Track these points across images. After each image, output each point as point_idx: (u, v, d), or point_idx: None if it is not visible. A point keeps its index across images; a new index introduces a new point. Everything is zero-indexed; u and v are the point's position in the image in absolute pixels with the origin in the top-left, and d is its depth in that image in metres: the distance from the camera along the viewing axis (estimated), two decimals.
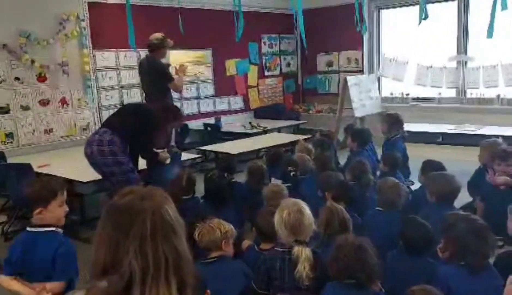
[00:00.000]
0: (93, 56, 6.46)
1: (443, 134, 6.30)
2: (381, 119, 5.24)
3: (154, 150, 4.23)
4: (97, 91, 6.52)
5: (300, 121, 8.54)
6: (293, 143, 6.01)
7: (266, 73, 8.99)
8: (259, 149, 6.20)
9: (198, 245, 2.56)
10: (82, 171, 4.31)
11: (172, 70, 5.77)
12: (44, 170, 4.68)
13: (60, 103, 6.14)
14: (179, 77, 5.54)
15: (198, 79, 7.69)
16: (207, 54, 7.84)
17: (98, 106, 6.51)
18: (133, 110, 4.22)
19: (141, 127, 3.94)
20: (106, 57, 6.63)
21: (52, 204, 2.51)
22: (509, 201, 2.87)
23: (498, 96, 7.08)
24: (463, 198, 3.74)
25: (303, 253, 2.27)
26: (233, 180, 4.17)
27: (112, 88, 6.73)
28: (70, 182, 4.42)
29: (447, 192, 3.23)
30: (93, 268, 1.12)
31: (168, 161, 4.40)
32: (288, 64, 9.41)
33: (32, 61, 5.77)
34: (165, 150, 4.46)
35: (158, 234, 1.11)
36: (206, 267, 2.47)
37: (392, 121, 5.08)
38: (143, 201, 1.14)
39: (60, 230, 2.53)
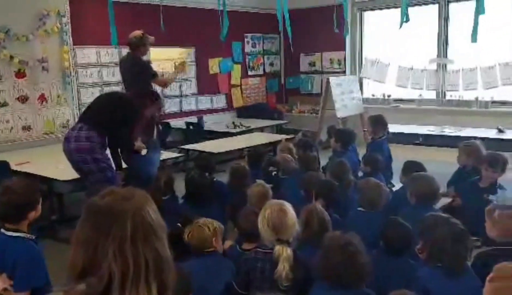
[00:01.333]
0: (74, 52, 6.36)
1: (423, 136, 6.38)
2: (367, 122, 5.28)
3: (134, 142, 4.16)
4: (77, 88, 6.43)
5: (283, 121, 8.56)
6: (276, 143, 6.02)
7: (249, 73, 8.98)
8: (242, 148, 6.19)
9: (189, 245, 2.57)
10: (62, 169, 4.25)
11: (157, 67, 5.71)
12: (23, 168, 4.59)
13: (39, 100, 6.03)
14: (173, 74, 5.51)
15: (180, 78, 7.62)
16: (190, 52, 7.80)
17: (78, 103, 6.42)
18: (108, 100, 4.10)
19: (118, 117, 3.85)
20: (87, 53, 6.55)
21: (38, 208, 2.48)
22: (488, 201, 2.92)
23: (477, 98, 7.20)
24: (442, 198, 3.79)
25: (284, 252, 2.27)
26: (215, 179, 4.16)
27: (93, 85, 6.65)
28: (49, 181, 4.36)
29: (427, 193, 3.27)
30: (71, 270, 1.09)
31: (144, 151, 4.33)
32: (271, 64, 9.42)
33: (11, 57, 5.65)
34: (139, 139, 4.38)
35: (139, 236, 1.08)
36: (198, 260, 2.47)
37: (378, 122, 5.12)
38: (124, 201, 1.12)
39: (30, 236, 2.45)
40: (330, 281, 2.09)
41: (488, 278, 1.73)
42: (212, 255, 2.59)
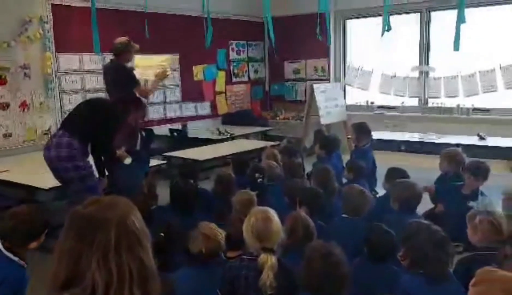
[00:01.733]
0: (56, 59, 6.30)
1: (406, 142, 6.46)
2: (350, 129, 5.31)
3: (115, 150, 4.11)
4: (59, 95, 6.36)
5: (268, 128, 8.56)
6: (261, 150, 6.02)
7: (234, 80, 8.99)
8: (226, 156, 6.18)
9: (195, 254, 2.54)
10: (43, 177, 4.18)
11: (140, 75, 5.68)
12: (2, 176, 4.52)
13: (20, 106, 5.95)
14: (155, 82, 5.48)
15: (164, 84, 7.58)
16: (174, 59, 7.78)
17: (61, 111, 6.35)
18: (90, 106, 4.00)
19: (99, 124, 3.79)
20: (70, 60, 6.48)
21: (41, 238, 2.45)
22: (469, 208, 2.96)
23: (458, 106, 7.31)
24: (425, 204, 3.84)
25: (269, 260, 2.26)
26: (199, 187, 4.14)
27: (76, 92, 6.58)
28: (30, 189, 4.30)
29: (409, 199, 3.30)
30: (54, 281, 1.07)
31: (127, 161, 4.28)
32: (256, 71, 9.44)
33: None
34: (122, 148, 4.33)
35: (123, 245, 1.07)
36: (203, 267, 2.48)
37: (361, 130, 5.15)
38: (108, 210, 1.11)
39: (24, 263, 2.44)
40: (312, 290, 2.10)
41: (471, 283, 1.75)
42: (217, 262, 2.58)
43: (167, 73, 5.71)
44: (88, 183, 3.74)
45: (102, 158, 4.03)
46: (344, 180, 4.56)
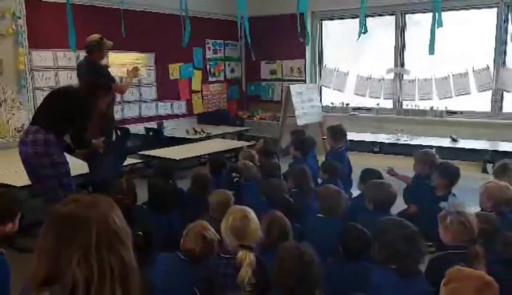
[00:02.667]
0: (30, 55, 6.17)
1: (380, 144, 6.55)
2: (326, 132, 5.35)
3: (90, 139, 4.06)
4: (33, 92, 6.23)
5: (244, 128, 8.57)
6: (237, 149, 6.02)
7: (210, 79, 8.96)
8: (203, 155, 6.17)
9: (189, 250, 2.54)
10: (16, 175, 4.11)
11: (115, 72, 5.62)
12: None
13: None
14: (128, 79, 5.43)
15: (139, 81, 7.50)
16: (149, 57, 7.71)
17: (34, 107, 6.21)
18: (58, 97, 3.93)
19: (72, 114, 3.75)
20: (44, 56, 6.36)
21: (16, 220, 2.39)
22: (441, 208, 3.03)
23: (432, 108, 7.45)
24: (399, 204, 3.90)
25: (247, 258, 2.30)
26: (176, 187, 4.12)
27: (50, 88, 6.45)
28: (2, 187, 4.20)
29: (383, 200, 3.36)
30: (34, 278, 1.06)
31: (101, 149, 4.23)
32: (233, 70, 9.44)
33: None
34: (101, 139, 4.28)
35: (104, 243, 1.07)
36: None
37: (337, 133, 5.19)
38: (88, 209, 1.11)
39: (1, 250, 2.37)
40: (285, 289, 2.12)
41: (443, 282, 1.80)
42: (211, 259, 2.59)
43: (138, 70, 5.66)
44: (64, 180, 3.70)
45: (76, 147, 3.99)
46: (320, 180, 4.60)
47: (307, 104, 7.90)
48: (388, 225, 2.54)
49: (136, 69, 5.53)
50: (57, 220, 1.11)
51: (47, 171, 3.65)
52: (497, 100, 7.04)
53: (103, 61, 5.42)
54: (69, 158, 3.88)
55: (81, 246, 1.05)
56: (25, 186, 4.05)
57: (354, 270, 2.61)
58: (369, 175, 4.03)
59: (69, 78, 6.54)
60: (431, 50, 4.06)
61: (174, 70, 8.19)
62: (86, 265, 1.04)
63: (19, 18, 5.94)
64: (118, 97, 6.42)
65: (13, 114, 6.01)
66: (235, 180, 4.02)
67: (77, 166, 4.15)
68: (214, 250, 2.61)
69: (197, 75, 8.64)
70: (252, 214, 2.48)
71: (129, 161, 5.36)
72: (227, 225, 2.44)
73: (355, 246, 2.66)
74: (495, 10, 6.88)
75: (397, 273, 2.33)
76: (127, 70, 5.59)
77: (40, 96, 6.32)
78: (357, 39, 4.75)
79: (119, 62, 6.95)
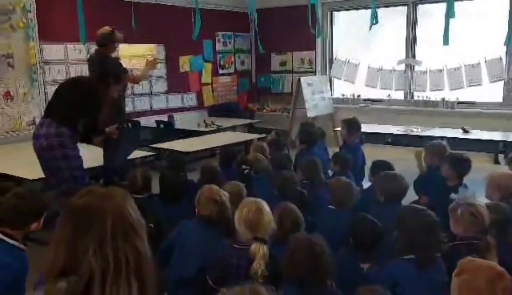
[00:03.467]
0: (41, 48, 6.22)
1: (392, 135, 6.51)
2: (340, 124, 5.29)
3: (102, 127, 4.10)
4: (44, 85, 6.28)
5: (254, 120, 8.58)
6: (248, 142, 6.03)
7: (220, 71, 8.96)
8: (214, 147, 6.18)
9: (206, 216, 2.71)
10: (28, 168, 4.15)
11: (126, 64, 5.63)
12: None
13: (4, 97, 5.87)
14: (146, 69, 5.45)
15: (150, 76, 7.50)
16: (159, 49, 7.72)
17: (45, 101, 6.27)
18: (69, 88, 3.95)
19: (83, 104, 3.76)
20: (55, 50, 6.40)
21: (41, 220, 2.44)
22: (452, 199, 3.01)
23: (443, 99, 7.39)
24: (410, 196, 3.88)
25: (260, 250, 2.31)
26: (188, 178, 4.14)
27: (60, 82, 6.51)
28: (15, 179, 4.25)
29: (394, 191, 3.34)
30: (51, 269, 1.09)
31: (115, 135, 4.26)
32: (243, 63, 9.42)
33: None
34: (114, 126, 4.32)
35: (119, 235, 1.09)
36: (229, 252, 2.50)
37: (352, 126, 5.13)
38: (104, 201, 1.13)
39: (23, 247, 2.42)
40: (296, 281, 2.12)
41: (454, 273, 1.80)
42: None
43: (158, 62, 5.68)
44: (76, 173, 3.73)
45: (90, 135, 4.03)
46: (330, 172, 4.58)
47: (318, 96, 7.88)
48: (408, 212, 2.54)
49: (155, 60, 5.54)
50: (73, 212, 1.13)
51: (60, 163, 3.69)
52: (509, 91, 6.97)
53: (114, 54, 5.44)
54: (81, 152, 3.91)
55: (96, 237, 1.07)
56: (37, 179, 4.09)
57: (366, 261, 2.60)
58: (379, 166, 4.00)
59: (80, 72, 6.57)
60: (446, 41, 4.01)
61: (184, 62, 8.20)
62: (102, 256, 1.06)
63: (30, 11, 5.98)
64: (128, 89, 6.45)
65: (25, 108, 6.07)
66: (245, 172, 4.02)
67: (89, 159, 4.18)
68: (229, 210, 2.75)
69: (207, 68, 8.65)
70: (266, 207, 2.49)
71: (140, 153, 5.39)
72: (241, 217, 2.45)
73: (366, 238, 2.65)
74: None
75: (416, 263, 2.32)
76: (147, 60, 5.59)
77: (51, 90, 6.36)
78: (369, 30, 4.72)
79: (129, 54, 6.97)
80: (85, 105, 3.78)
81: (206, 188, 2.90)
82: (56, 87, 4.10)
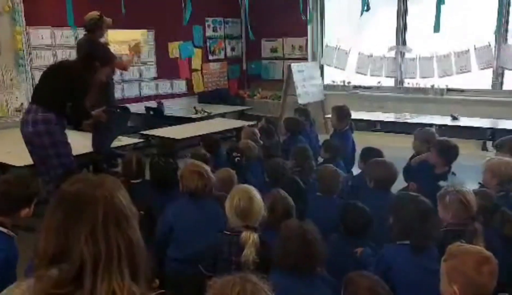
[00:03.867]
0: (27, 33, 6.12)
1: (381, 122, 6.53)
2: (331, 112, 5.30)
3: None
4: (31, 71, 6.20)
5: (245, 107, 8.55)
6: (238, 129, 6.01)
7: (211, 57, 8.90)
8: (204, 134, 6.15)
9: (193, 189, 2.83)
10: (16, 155, 4.11)
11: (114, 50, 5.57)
12: None
13: None
14: (131, 56, 5.39)
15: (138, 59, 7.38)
16: (149, 35, 7.64)
17: (32, 87, 6.19)
18: (54, 72, 3.89)
19: (69, 86, 3.72)
20: (42, 35, 6.31)
21: (31, 206, 2.41)
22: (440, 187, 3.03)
23: (433, 86, 7.42)
24: (399, 183, 3.91)
25: (251, 237, 2.32)
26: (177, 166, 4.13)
27: None
28: (3, 166, 4.22)
29: (384, 178, 3.36)
30: (41, 257, 1.08)
31: (103, 119, 4.24)
32: (233, 49, 9.37)
33: None
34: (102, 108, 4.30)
35: (110, 222, 1.09)
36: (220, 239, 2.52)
37: (341, 113, 5.14)
38: (95, 188, 1.12)
39: (13, 234, 2.39)
40: (287, 268, 2.14)
41: (443, 258, 1.83)
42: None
43: (141, 46, 5.61)
44: (64, 160, 3.70)
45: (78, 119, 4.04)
46: (321, 160, 4.60)
47: (309, 82, 7.87)
48: (403, 199, 2.57)
49: (138, 45, 5.47)
50: (63, 199, 1.12)
51: (48, 150, 3.66)
52: (498, 78, 7.01)
53: (103, 39, 5.38)
54: (71, 139, 3.88)
55: (87, 225, 1.07)
56: (25, 165, 4.05)
57: (355, 248, 2.63)
58: (369, 153, 4.02)
59: (68, 57, 6.49)
60: (437, 28, 4.02)
61: (174, 48, 8.14)
62: (93, 243, 1.06)
63: None
64: (117, 75, 6.40)
65: (12, 94, 5.99)
66: (236, 159, 4.01)
67: (78, 146, 4.15)
68: (212, 181, 2.89)
69: (197, 54, 8.59)
70: (256, 195, 2.50)
71: (130, 140, 5.36)
72: (231, 206, 2.46)
73: (355, 224, 2.68)
74: None
75: (410, 249, 2.34)
76: (129, 46, 5.53)
77: (39, 76, 6.26)
78: (360, 16, 4.71)
79: (118, 40, 6.88)
80: (71, 89, 3.74)
81: (189, 163, 3.02)
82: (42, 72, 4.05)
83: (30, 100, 3.94)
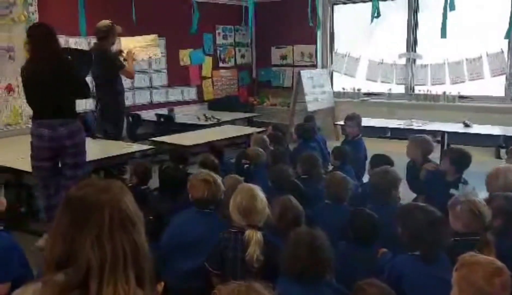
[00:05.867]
0: None
1: (392, 129, 6.49)
2: (345, 120, 5.27)
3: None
4: None
5: (254, 114, 8.56)
6: (248, 136, 6.02)
7: (221, 65, 8.94)
8: (214, 141, 6.16)
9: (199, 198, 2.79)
10: (29, 161, 4.14)
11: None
12: None
13: (5, 90, 5.86)
14: (129, 64, 5.43)
15: (152, 59, 7.28)
16: (159, 42, 7.66)
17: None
18: (51, 76, 3.72)
19: (65, 80, 3.72)
20: None
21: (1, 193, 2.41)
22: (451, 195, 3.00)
23: (444, 93, 7.37)
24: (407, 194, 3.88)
25: (254, 236, 2.34)
26: (188, 172, 4.14)
27: None
28: (17, 172, 4.26)
29: (383, 187, 3.31)
30: (49, 261, 1.09)
31: None
32: (243, 56, 9.40)
33: None
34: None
35: (116, 227, 1.10)
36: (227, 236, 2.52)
37: (357, 121, 5.14)
38: (101, 193, 1.13)
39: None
40: (294, 274, 2.13)
41: (454, 268, 1.81)
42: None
43: (132, 52, 5.60)
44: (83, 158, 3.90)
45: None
46: (330, 167, 4.59)
47: (318, 90, 7.87)
48: (412, 208, 2.54)
49: (129, 52, 5.48)
50: (70, 204, 1.13)
51: (83, 156, 3.87)
52: (511, 85, 6.94)
53: (114, 47, 5.43)
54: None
55: (94, 229, 1.08)
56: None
57: (365, 256, 2.61)
58: (378, 160, 4.00)
59: None
60: (443, 34, 4.01)
61: (185, 56, 8.18)
62: (99, 247, 1.06)
63: (31, 4, 5.97)
64: (129, 83, 6.44)
65: (26, 101, 6.04)
66: (245, 166, 4.02)
67: (91, 152, 4.19)
68: (221, 191, 2.84)
69: (208, 61, 8.62)
70: (260, 193, 2.51)
71: (141, 147, 5.38)
72: (234, 204, 2.48)
73: (363, 230, 2.66)
74: None
75: (421, 259, 2.32)
76: (125, 55, 5.50)
77: None
78: (370, 23, 4.70)
79: (132, 46, 6.88)
80: (69, 80, 3.78)
81: (197, 172, 3.02)
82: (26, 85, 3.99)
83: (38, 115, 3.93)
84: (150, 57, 5.68)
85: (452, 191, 2.99)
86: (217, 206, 2.88)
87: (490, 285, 1.68)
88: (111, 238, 1.08)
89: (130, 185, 3.54)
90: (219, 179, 2.91)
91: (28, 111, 6.03)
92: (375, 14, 4.67)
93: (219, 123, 7.23)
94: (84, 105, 6.72)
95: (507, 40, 6.74)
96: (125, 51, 5.53)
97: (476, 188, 3.61)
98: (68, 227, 1.09)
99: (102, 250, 1.06)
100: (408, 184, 4.17)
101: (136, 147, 5.09)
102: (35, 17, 6.02)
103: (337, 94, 8.41)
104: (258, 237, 2.34)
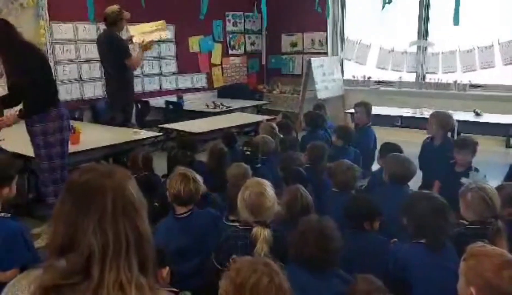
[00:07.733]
0: (50, 28, 6.20)
1: (402, 118, 6.44)
2: (357, 108, 5.23)
3: None
4: (54, 65, 6.28)
5: (264, 102, 8.53)
6: (257, 123, 6.00)
7: (230, 52, 8.90)
8: (223, 129, 6.16)
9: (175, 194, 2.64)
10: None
11: (132, 46, 5.60)
12: None
13: None
14: (140, 53, 5.41)
15: (160, 42, 7.20)
16: (169, 29, 7.63)
17: (55, 81, 6.27)
18: (23, 71, 3.81)
19: (40, 73, 3.82)
20: (64, 29, 6.39)
21: (13, 185, 2.42)
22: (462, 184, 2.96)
23: (455, 81, 7.28)
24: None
25: (262, 233, 2.29)
26: (195, 159, 4.14)
27: (70, 62, 6.51)
28: (25, 158, 4.28)
29: (400, 174, 3.31)
30: (51, 247, 1.08)
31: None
32: (253, 43, 9.34)
33: None
34: None
35: (119, 212, 1.08)
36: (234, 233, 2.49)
37: (368, 109, 5.13)
38: (105, 178, 1.12)
39: (5, 214, 2.40)
40: (302, 261, 2.12)
41: (462, 258, 1.78)
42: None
43: (151, 48, 5.61)
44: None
45: None
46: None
47: (328, 77, 7.80)
48: (416, 197, 2.51)
49: (151, 42, 5.47)
50: (73, 189, 1.12)
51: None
52: None
53: (123, 33, 5.42)
54: (96, 132, 3.98)
55: (96, 215, 1.06)
56: None
57: (365, 242, 2.56)
58: (388, 149, 3.97)
59: (90, 51, 6.57)
60: (456, 21, 3.93)
61: (194, 43, 8.15)
62: (101, 233, 1.05)
63: None
64: (138, 69, 6.43)
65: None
66: (246, 153, 3.99)
67: (102, 139, 4.20)
68: (199, 191, 2.70)
69: (217, 48, 8.59)
70: (268, 190, 2.46)
71: (150, 133, 5.39)
72: (242, 200, 2.43)
73: (356, 213, 2.63)
74: None
75: (427, 247, 2.30)
76: (141, 43, 5.49)
77: (61, 70, 6.38)
78: (382, 9, 4.63)
79: (140, 31, 6.85)
80: (42, 73, 3.85)
81: (178, 168, 2.89)
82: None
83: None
84: (159, 40, 5.64)
85: (463, 179, 2.94)
86: (196, 204, 2.79)
87: (498, 277, 1.64)
88: (113, 224, 1.07)
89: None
90: (197, 176, 2.77)
91: None
92: (387, 1, 4.60)
93: (228, 111, 7.22)
94: (93, 92, 6.75)
95: None
96: (135, 40, 5.51)
97: (487, 177, 3.57)
98: (70, 213, 1.08)
99: (104, 236, 1.05)
100: (419, 161, 4.13)
101: (144, 134, 5.09)
102: (44, 3, 6.02)
103: (347, 82, 8.34)
104: (265, 234, 2.30)
